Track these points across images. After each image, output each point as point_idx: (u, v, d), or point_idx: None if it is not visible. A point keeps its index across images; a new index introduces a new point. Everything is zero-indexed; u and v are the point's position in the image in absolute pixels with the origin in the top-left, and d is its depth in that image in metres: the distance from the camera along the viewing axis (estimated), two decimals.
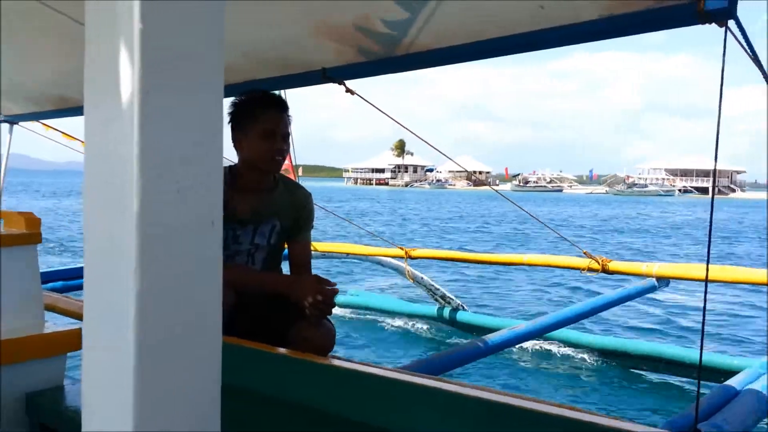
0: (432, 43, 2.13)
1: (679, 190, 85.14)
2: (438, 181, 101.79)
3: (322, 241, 6.86)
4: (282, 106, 2.36)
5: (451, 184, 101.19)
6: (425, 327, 6.99)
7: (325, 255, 6.57)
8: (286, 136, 2.34)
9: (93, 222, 0.78)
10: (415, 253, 5.53)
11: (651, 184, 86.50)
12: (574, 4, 1.78)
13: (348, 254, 6.58)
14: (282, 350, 2.00)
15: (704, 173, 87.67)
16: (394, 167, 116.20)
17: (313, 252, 6.43)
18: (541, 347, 5.98)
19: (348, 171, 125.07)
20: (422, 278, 6.76)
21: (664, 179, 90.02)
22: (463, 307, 6.99)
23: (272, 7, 2.21)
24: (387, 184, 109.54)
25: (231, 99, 2.34)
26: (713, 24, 1.63)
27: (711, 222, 1.65)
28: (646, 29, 1.78)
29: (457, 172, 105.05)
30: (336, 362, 1.98)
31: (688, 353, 5.16)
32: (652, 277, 4.06)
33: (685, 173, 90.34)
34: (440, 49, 2.11)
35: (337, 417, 1.82)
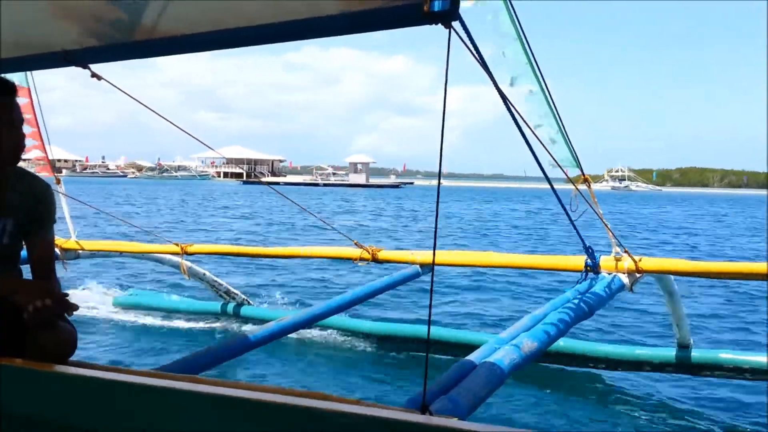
0: (174, 30, 2.04)
1: (212, 175, 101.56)
2: None
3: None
4: (15, 92, 2.15)
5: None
6: (209, 324, 6.80)
7: (95, 254, 6.10)
8: (22, 124, 2.15)
9: None
10: (191, 249, 5.33)
11: (182, 170, 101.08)
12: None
13: (121, 252, 6.17)
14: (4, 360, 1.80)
15: (241, 161, 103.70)
16: None
17: (80, 251, 5.99)
18: (319, 336, 6.11)
19: None
20: (204, 274, 6.56)
21: (197, 166, 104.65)
22: (248, 302, 6.92)
23: None
24: None
25: None
26: (440, 25, 1.74)
27: (437, 211, 1.76)
28: (379, 27, 1.84)
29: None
30: (69, 369, 1.83)
31: (447, 333, 5.64)
32: (417, 264, 4.29)
33: (230, 161, 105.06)
34: (183, 36, 2.03)
35: (72, 428, 1.69)
